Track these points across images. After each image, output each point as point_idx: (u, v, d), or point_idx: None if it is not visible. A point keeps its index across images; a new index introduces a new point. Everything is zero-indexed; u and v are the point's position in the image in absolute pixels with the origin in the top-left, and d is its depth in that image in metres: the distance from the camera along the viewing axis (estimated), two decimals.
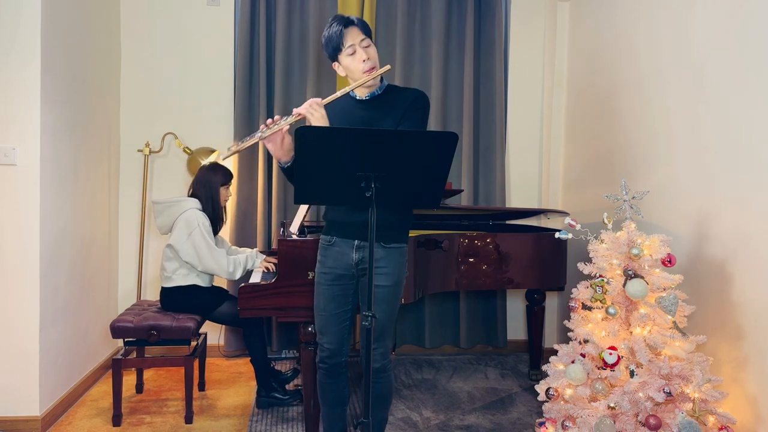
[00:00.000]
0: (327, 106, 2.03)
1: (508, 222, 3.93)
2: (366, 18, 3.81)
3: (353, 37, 2.05)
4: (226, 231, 3.80)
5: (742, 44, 2.27)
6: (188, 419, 2.86)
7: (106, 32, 3.56)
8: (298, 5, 3.85)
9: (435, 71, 3.91)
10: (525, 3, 4.07)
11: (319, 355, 2.23)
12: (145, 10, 3.81)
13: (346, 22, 2.06)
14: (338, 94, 2.03)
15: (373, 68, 2.05)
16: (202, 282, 3.06)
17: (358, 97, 2.15)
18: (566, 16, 4.02)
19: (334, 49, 2.08)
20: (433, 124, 3.93)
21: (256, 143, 2.16)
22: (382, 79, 2.16)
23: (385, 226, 2.07)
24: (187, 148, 3.73)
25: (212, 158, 3.70)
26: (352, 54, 2.05)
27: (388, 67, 2.04)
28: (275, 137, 1.98)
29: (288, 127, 1.98)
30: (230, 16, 3.87)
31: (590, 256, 2.33)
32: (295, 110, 2.00)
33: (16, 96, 2.66)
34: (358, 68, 2.05)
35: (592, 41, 3.61)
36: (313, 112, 1.97)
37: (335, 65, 2.13)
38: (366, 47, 2.06)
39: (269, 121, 1.98)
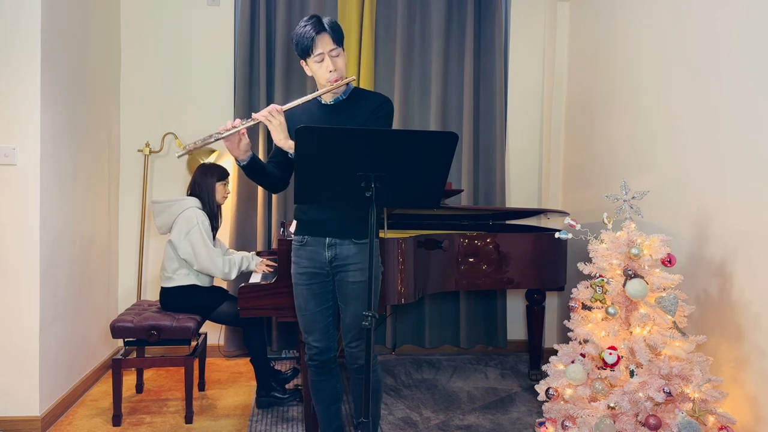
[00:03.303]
0: (291, 108, 2.07)
1: (508, 222, 3.93)
2: (366, 18, 3.81)
3: (323, 45, 2.06)
4: (225, 231, 3.80)
5: (742, 44, 2.27)
6: (188, 419, 2.87)
7: (106, 32, 3.56)
8: (298, 5, 3.85)
9: (435, 71, 3.91)
10: (525, 3, 4.07)
11: (308, 354, 2.23)
12: (145, 10, 3.81)
13: (319, 29, 2.05)
14: (299, 101, 2.07)
15: (338, 79, 2.08)
16: (201, 282, 3.06)
17: (322, 102, 2.18)
18: (566, 16, 4.02)
19: (303, 51, 2.09)
20: (433, 124, 3.93)
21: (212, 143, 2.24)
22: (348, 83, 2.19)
23: (355, 221, 2.10)
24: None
25: (211, 158, 3.70)
26: (320, 62, 2.07)
27: (352, 78, 2.09)
28: (233, 138, 2.02)
29: (245, 129, 2.04)
30: (230, 16, 3.87)
31: (590, 256, 2.33)
32: (254, 115, 2.04)
33: (17, 96, 2.66)
34: (324, 77, 2.08)
35: (592, 41, 3.61)
36: (272, 119, 2.01)
37: (303, 64, 2.14)
38: (335, 57, 2.08)
39: (229, 123, 2.01)
